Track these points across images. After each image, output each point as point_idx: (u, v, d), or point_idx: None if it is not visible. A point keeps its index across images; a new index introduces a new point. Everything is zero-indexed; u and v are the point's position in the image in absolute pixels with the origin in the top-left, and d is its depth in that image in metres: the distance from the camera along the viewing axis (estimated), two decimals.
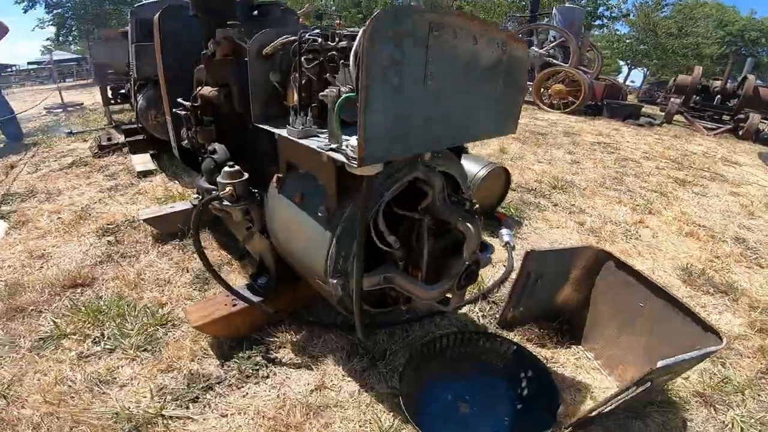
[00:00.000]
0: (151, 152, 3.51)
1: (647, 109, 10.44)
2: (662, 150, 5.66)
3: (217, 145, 1.33)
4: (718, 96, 8.43)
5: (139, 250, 1.97)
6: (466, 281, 1.03)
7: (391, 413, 1.20)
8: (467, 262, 1.00)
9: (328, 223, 0.94)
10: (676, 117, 8.80)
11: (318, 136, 0.94)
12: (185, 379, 1.25)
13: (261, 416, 1.16)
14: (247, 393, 1.23)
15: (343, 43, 0.87)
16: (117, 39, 5.07)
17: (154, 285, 1.70)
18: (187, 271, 1.81)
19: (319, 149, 0.85)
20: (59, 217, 2.32)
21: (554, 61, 8.50)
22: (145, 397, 1.20)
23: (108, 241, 2.02)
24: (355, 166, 0.74)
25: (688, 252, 2.51)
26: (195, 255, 1.91)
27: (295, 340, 1.46)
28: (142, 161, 3.32)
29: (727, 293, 2.05)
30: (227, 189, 1.15)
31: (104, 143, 3.76)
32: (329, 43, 0.88)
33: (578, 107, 8.01)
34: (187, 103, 1.48)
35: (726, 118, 8.45)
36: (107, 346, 1.37)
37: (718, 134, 7.87)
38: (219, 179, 1.18)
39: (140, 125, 3.45)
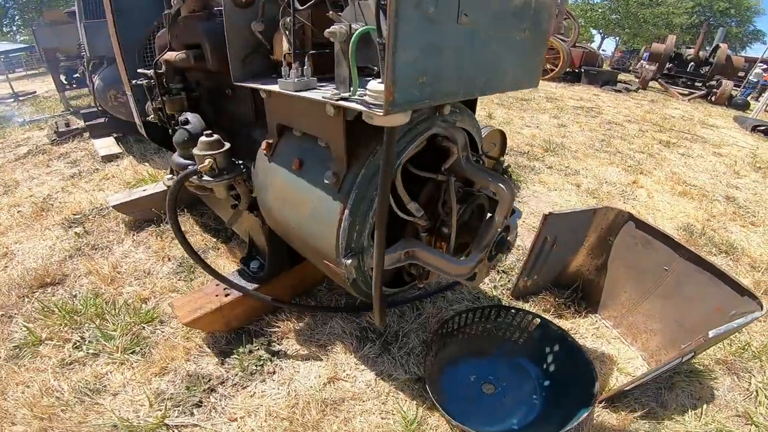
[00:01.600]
0: (114, 135, 3.21)
1: (622, 76, 10.48)
2: (642, 114, 5.66)
3: (189, 115, 1.10)
4: (692, 63, 8.47)
5: (112, 240, 1.74)
6: (497, 251, 0.89)
7: (414, 401, 1.08)
8: (499, 229, 0.86)
9: (337, 191, 0.76)
10: (651, 84, 8.85)
11: (317, 89, 0.75)
12: (184, 382, 1.08)
13: (274, 417, 1.01)
14: (255, 392, 1.08)
15: None
16: (63, 21, 4.56)
17: (133, 278, 1.49)
18: (169, 260, 1.60)
19: (326, 100, 0.66)
20: (19, 211, 2.03)
21: None
22: (142, 405, 1.03)
23: (76, 232, 1.77)
24: (380, 114, 0.56)
25: (685, 211, 2.47)
26: (175, 241, 1.71)
27: (298, 328, 1.30)
28: (105, 145, 2.99)
29: (728, 253, 2.02)
30: (206, 162, 0.95)
31: (62, 129, 3.38)
32: None
33: (558, 74, 7.91)
34: (150, 72, 1.24)
35: (698, 84, 8.56)
36: (90, 351, 1.17)
37: (691, 99, 7.97)
38: (195, 151, 0.98)
39: (100, 107, 3.11)
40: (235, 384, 1.10)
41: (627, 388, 1.08)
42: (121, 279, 1.48)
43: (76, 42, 4.22)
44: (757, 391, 1.21)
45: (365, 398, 1.08)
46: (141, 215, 1.85)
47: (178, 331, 1.24)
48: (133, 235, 1.77)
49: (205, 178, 0.99)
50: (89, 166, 2.65)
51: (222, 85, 1.10)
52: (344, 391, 1.10)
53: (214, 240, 1.74)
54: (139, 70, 1.37)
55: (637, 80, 9.06)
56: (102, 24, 2.34)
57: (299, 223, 0.89)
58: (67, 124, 3.49)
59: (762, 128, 5.43)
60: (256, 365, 1.15)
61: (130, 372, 1.11)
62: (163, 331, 1.25)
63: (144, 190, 1.90)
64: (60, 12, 4.66)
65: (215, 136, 0.98)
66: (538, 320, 1.26)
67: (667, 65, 8.77)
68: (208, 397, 1.06)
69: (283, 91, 0.74)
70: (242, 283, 1.21)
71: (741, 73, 9.60)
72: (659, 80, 8.70)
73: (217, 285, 1.22)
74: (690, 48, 8.87)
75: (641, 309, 1.37)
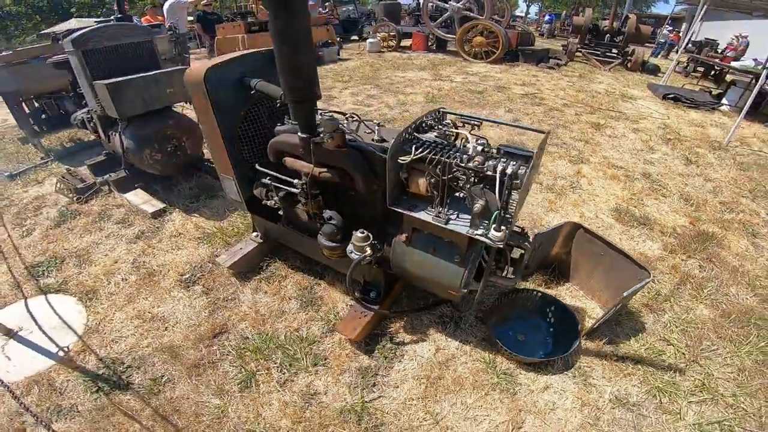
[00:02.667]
0: (137, 186, 3.58)
1: (546, 44, 11.76)
2: (575, 93, 6.83)
3: (332, 213, 1.81)
4: (608, 34, 9.88)
5: (234, 291, 2.37)
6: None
7: (486, 351, 1.98)
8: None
9: (460, 264, 1.57)
10: (577, 55, 10.18)
11: (452, 220, 1.50)
12: (359, 374, 1.87)
13: (418, 379, 1.85)
14: (399, 368, 1.90)
15: (471, 164, 1.40)
16: (22, 60, 4.50)
17: (275, 316, 2.19)
18: (290, 299, 2.30)
19: (468, 234, 1.44)
20: (123, 279, 2.54)
21: (471, 14, 9.10)
22: (345, 394, 1.79)
23: (200, 290, 2.38)
24: (501, 246, 1.38)
25: (615, 193, 3.55)
26: (283, 284, 2.40)
27: (402, 326, 2.12)
28: (143, 199, 3.38)
29: (645, 224, 3.11)
30: (368, 250, 1.69)
31: (80, 186, 3.63)
32: (461, 163, 1.41)
33: (498, 56, 8.90)
34: (272, 173, 1.89)
35: (615, 53, 10.03)
36: (292, 371, 1.88)
37: (611, 68, 9.41)
38: (356, 242, 1.70)
39: (129, 164, 3.44)
40: (386, 366, 1.91)
41: (595, 325, 2.05)
42: (268, 319, 2.17)
43: (40, 82, 4.30)
44: (669, 323, 2.24)
45: (459, 355, 1.96)
46: (245, 268, 2.49)
47: (335, 345, 2.01)
48: (246, 284, 2.42)
49: (367, 257, 1.72)
50: (145, 225, 3.07)
51: (358, 194, 1.79)
52: (447, 355, 1.96)
53: (312, 278, 2.45)
54: (257, 167, 1.97)
55: (562, 49, 10.35)
56: (129, 85, 2.85)
57: (431, 276, 1.69)
58: (82, 180, 3.73)
59: (671, 96, 6.86)
60: (391, 353, 1.96)
61: (324, 377, 1.87)
62: (325, 347, 2.00)
63: (241, 249, 2.52)
64: (21, 53, 4.55)
65: (366, 233, 1.71)
66: (539, 293, 2.20)
67: (587, 36, 10.15)
68: (376, 378, 1.86)
69: (434, 222, 1.51)
70: (373, 306, 1.99)
71: (650, 40, 11.21)
72: (582, 52, 10.06)
73: (356, 310, 2.00)
74: (605, 19, 10.30)
75: (594, 278, 2.36)
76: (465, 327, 2.15)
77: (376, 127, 1.70)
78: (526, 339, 2.09)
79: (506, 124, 1.82)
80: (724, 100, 6.86)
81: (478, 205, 1.39)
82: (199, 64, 1.87)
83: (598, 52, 9.88)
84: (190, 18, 8.93)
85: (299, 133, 1.65)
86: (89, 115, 3.52)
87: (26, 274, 2.58)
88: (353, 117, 1.81)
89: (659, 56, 13.17)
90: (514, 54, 9.13)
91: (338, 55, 9.47)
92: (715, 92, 7.51)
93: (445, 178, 1.42)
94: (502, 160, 1.39)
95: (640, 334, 2.14)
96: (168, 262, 2.64)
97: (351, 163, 1.63)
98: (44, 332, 2.08)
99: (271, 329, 2.10)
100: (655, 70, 9.45)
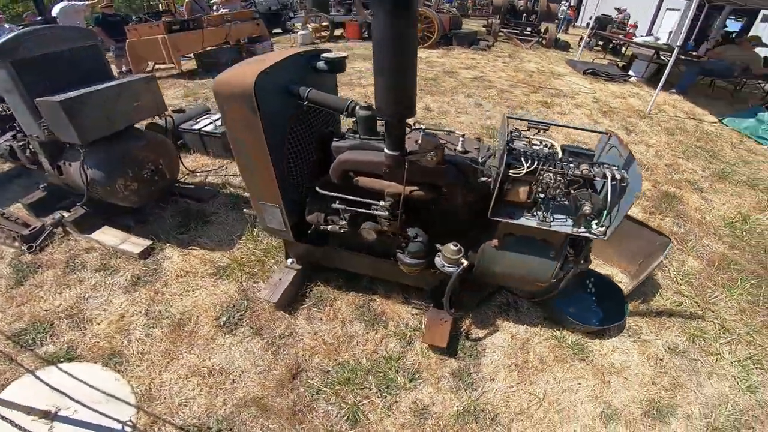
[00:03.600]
0: (105, 225, 3.06)
1: (472, 24, 12.48)
2: (514, 74, 7.41)
3: (417, 230, 1.79)
4: (524, 13, 10.78)
5: (287, 326, 2.21)
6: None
7: (551, 329, 2.19)
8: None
9: (554, 260, 1.70)
10: (499, 35, 10.96)
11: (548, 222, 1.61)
12: (455, 377, 1.93)
13: (508, 367, 1.98)
14: (488, 362, 2.02)
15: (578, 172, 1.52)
16: None
17: (344, 342, 2.11)
18: (351, 322, 2.24)
19: (572, 233, 1.56)
20: (147, 335, 2.20)
21: None
22: (453, 399, 1.84)
23: (249, 332, 2.18)
24: (605, 239, 1.53)
25: None
26: (334, 307, 2.32)
27: (470, 322, 2.22)
28: (120, 238, 2.87)
29: None
30: (464, 262, 1.73)
31: (27, 232, 2.94)
32: (571, 171, 1.51)
33: (434, 41, 9.20)
34: (347, 196, 1.80)
35: (530, 31, 11.02)
36: (393, 393, 1.86)
37: (531, 46, 10.34)
38: (450, 255, 1.73)
39: (91, 198, 2.87)
40: (475, 364, 2.00)
41: (632, 290, 2.38)
42: (339, 347, 2.09)
43: None
44: (674, 277, 2.66)
45: (531, 337, 2.15)
46: (290, 299, 2.34)
47: (419, 356, 2.03)
48: (296, 315, 2.28)
49: (450, 269, 1.76)
50: (136, 269, 2.64)
51: (450, 207, 1.80)
52: (521, 339, 2.13)
53: (363, 295, 2.40)
54: (318, 189, 1.83)
55: (485, 30, 11.08)
56: (82, 101, 2.34)
57: (522, 273, 1.79)
58: (26, 224, 3.03)
59: (590, 71, 7.80)
60: (473, 350, 2.06)
61: (425, 389, 1.89)
62: (411, 361, 2.01)
63: (281, 279, 2.35)
64: None
65: (459, 246, 1.74)
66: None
67: (506, 17, 10.98)
68: (471, 377, 1.94)
69: (539, 226, 1.60)
70: (451, 311, 2.04)
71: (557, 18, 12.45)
72: (503, 31, 10.87)
73: (434, 319, 2.04)
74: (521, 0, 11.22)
75: (610, 246, 2.71)
76: (523, 311, 2.33)
77: (461, 139, 1.72)
78: (578, 311, 2.34)
79: (570, 127, 1.96)
80: (631, 72, 8.03)
81: (587, 208, 1.53)
82: (241, 69, 1.62)
83: (517, 31, 10.76)
84: (87, 22, 7.66)
85: (387, 151, 1.59)
86: (22, 142, 2.85)
87: (12, 345, 2.11)
88: (420, 126, 1.80)
89: (561, 32, 14.76)
90: (448, 38, 9.51)
91: (272, 50, 8.90)
92: (620, 65, 8.75)
93: (555, 185, 1.52)
94: (605, 166, 1.54)
95: (659, 291, 2.54)
96: (190, 308, 2.36)
97: (450, 179, 1.63)
98: (92, 408, 1.75)
99: (349, 357, 2.04)
100: (566, 47, 10.64)
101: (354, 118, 1.75)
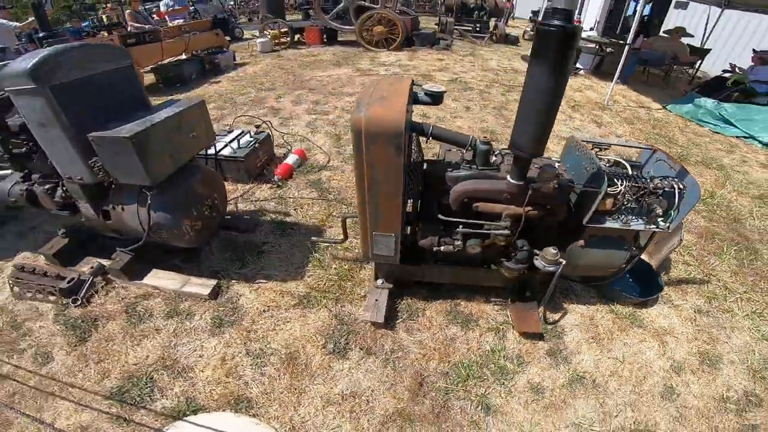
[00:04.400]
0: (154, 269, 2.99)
1: (427, 22, 13.01)
2: (483, 73, 8.01)
3: (524, 241, 2.14)
4: (476, 11, 11.51)
5: (392, 341, 2.43)
6: None
7: (605, 304, 2.69)
8: None
9: (627, 251, 2.15)
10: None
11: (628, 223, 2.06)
12: (550, 356, 2.34)
13: (587, 341, 2.43)
14: (570, 339, 2.45)
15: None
16: None
17: (451, 346, 2.40)
18: (447, 326, 2.53)
19: (648, 229, 2.01)
20: (262, 373, 2.28)
21: (366, 3, 9.41)
22: (557, 374, 2.24)
23: (361, 354, 2.36)
24: (669, 231, 2.00)
25: None
26: (429, 316, 2.61)
27: (543, 309, 2.63)
28: (180, 281, 2.79)
29: None
30: (562, 261, 2.11)
31: (66, 285, 2.67)
32: (651, 186, 1.95)
33: (399, 43, 9.55)
34: (469, 221, 2.09)
35: (480, 27, 11.79)
36: (509, 379, 2.21)
37: (484, 43, 11.10)
38: (548, 258, 2.10)
39: (162, 240, 2.67)
40: (560, 342, 2.42)
41: (657, 265, 2.95)
42: (445, 349, 2.38)
43: None
44: (678, 250, 3.30)
45: (594, 313, 2.62)
46: (387, 317, 2.58)
47: (515, 344, 2.39)
48: (396, 330, 2.52)
49: (552, 268, 2.14)
50: (212, 310, 2.66)
51: (551, 220, 2.16)
52: (587, 316, 2.59)
53: (448, 301, 2.70)
54: (440, 216, 2.11)
55: (437, 28, 11.67)
56: (149, 135, 2.15)
57: (601, 264, 2.23)
58: (51, 274, 2.77)
59: None
60: (555, 331, 2.48)
61: (531, 370, 2.26)
62: (510, 349, 2.37)
63: (377, 300, 2.56)
64: None
65: (556, 249, 2.13)
66: None
67: (459, 15, 11.64)
68: (562, 353, 2.35)
69: (622, 227, 2.03)
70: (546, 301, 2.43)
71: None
72: (457, 29, 11.53)
73: (520, 310, 2.43)
74: None
75: None
76: (579, 293, 2.80)
77: (556, 163, 2.10)
78: (623, 287, 2.85)
79: (622, 145, 2.43)
80: (578, 65, 9.03)
81: (659, 210, 1.99)
82: (384, 106, 1.73)
83: (470, 29, 11.48)
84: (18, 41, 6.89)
85: (513, 180, 1.93)
86: (48, 185, 2.59)
87: (117, 404, 2.10)
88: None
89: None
90: (410, 40, 9.90)
91: (235, 60, 8.66)
92: None
93: (633, 196, 1.97)
94: (671, 179, 2.01)
95: (671, 264, 3.15)
96: (291, 340, 2.48)
97: (559, 200, 2.01)
98: None
99: (459, 357, 2.35)
100: (515, 41, 11.56)
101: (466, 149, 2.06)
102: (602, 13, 14.62)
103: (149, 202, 2.38)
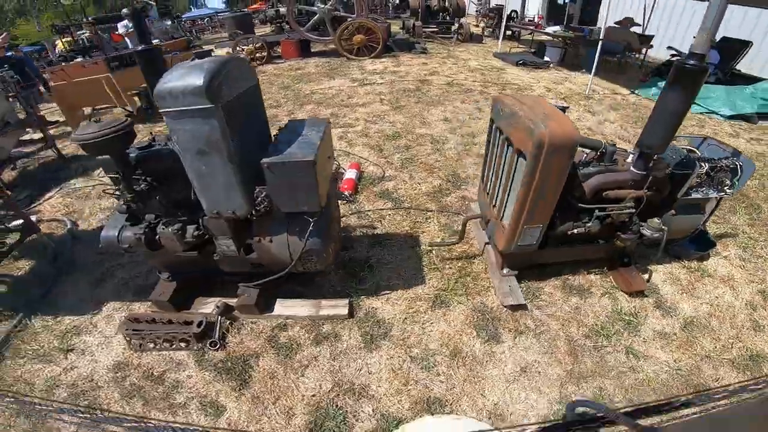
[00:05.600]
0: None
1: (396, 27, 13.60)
2: (471, 74, 8.75)
3: (636, 217, 2.74)
4: (440, 12, 12.31)
5: (528, 319, 2.90)
6: None
7: (672, 262, 3.38)
8: None
9: (701, 214, 2.84)
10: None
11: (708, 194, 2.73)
12: (657, 308, 2.94)
13: (673, 293, 3.08)
14: (666, 293, 3.08)
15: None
16: None
17: (579, 313, 2.92)
18: (570, 298, 3.07)
19: (719, 196, 2.70)
20: (447, 375, 2.62)
21: (341, 13, 9.77)
22: (671, 320, 2.84)
23: (514, 334, 2.83)
24: (733, 195, 2.70)
25: None
26: (549, 292, 3.12)
27: (641, 271, 3.27)
28: (314, 305, 2.89)
29: None
30: (665, 228, 2.73)
31: (197, 330, 2.66)
32: (723, 164, 2.62)
33: (381, 51, 10.04)
34: (605, 205, 2.66)
35: (445, 28, 12.63)
36: (637, 329, 2.76)
37: (453, 43, 11.93)
38: (653, 227, 2.69)
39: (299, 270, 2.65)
40: (660, 296, 3.04)
41: (704, 224, 3.73)
42: (578, 316, 2.89)
43: None
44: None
45: (672, 270, 3.29)
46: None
47: (625, 304, 2.96)
48: (532, 309, 3.00)
49: (657, 234, 2.77)
50: (358, 328, 2.86)
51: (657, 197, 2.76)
52: (668, 273, 3.25)
53: (559, 277, 3.22)
54: (587, 206, 2.65)
55: (402, 32, 12.34)
56: (318, 157, 2.12)
57: (684, 227, 2.90)
58: (177, 320, 2.74)
59: (520, 62, 9.59)
60: (651, 289, 3.11)
61: (650, 321, 2.84)
62: (625, 308, 2.94)
63: (510, 286, 3.03)
64: None
65: (660, 219, 2.74)
66: None
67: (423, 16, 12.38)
68: (665, 303, 2.98)
69: (705, 197, 2.69)
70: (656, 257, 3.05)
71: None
72: (425, 31, 12.27)
73: (623, 274, 3.03)
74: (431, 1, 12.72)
75: None
76: (649, 255, 3.47)
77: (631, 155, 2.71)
78: (684, 246, 3.57)
79: (682, 137, 3.11)
80: (547, 58, 10.12)
81: (728, 181, 2.69)
82: (558, 125, 2.15)
83: (437, 30, 12.27)
84: None
85: (637, 171, 2.52)
86: (178, 226, 2.45)
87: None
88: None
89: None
90: (388, 47, 10.42)
91: None
92: (532, 52, 10.87)
93: (710, 173, 2.65)
94: (734, 159, 2.71)
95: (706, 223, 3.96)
96: (445, 339, 2.71)
97: (666, 182, 2.62)
98: None
99: (591, 320, 2.88)
100: (479, 39, 12.54)
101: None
102: (543, 5, 16.25)
103: (310, 229, 2.39)
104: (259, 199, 2.29)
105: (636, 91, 8.01)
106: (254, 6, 16.33)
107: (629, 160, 2.69)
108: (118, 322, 2.95)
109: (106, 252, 2.80)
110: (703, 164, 2.74)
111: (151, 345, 2.75)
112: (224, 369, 2.58)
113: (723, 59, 8.00)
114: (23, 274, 3.56)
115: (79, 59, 6.74)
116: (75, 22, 7.83)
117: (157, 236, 2.49)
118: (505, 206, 2.77)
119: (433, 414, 2.28)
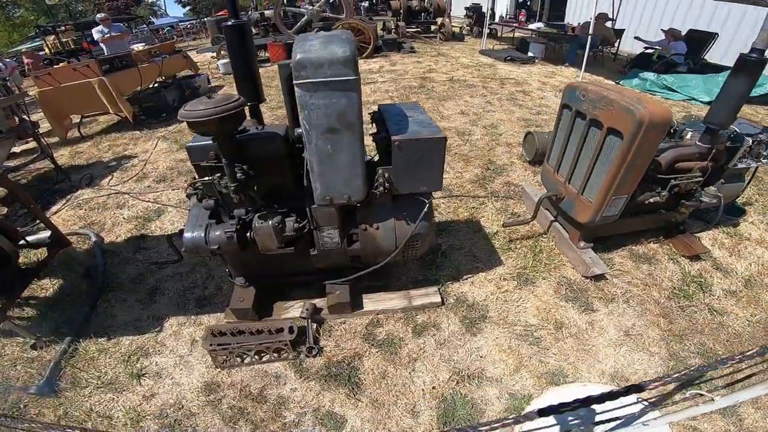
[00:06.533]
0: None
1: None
2: (467, 70, 9.16)
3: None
4: (422, 12, 12.73)
5: (612, 287, 3.24)
6: None
7: (717, 229, 3.85)
8: None
9: (743, 183, 3.30)
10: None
11: (749, 163, 3.18)
12: (716, 269, 3.35)
13: (725, 256, 3.53)
14: (717, 256, 3.51)
15: None
16: None
17: (656, 276, 3.26)
18: (636, 267, 3.40)
19: (756, 165, 3.16)
20: (556, 348, 2.76)
21: (330, 14, 9.89)
22: (730, 279, 3.23)
23: (605, 301, 3.11)
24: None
25: None
26: (620, 264, 3.45)
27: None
28: (404, 297, 2.91)
29: None
30: (720, 195, 3.14)
31: (294, 337, 2.50)
32: None
33: (372, 51, 10.25)
34: (680, 175, 3.02)
35: (425, 27, 13.08)
36: (708, 288, 3.09)
37: (439, 42, 12.39)
38: (711, 194, 3.11)
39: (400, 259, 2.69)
40: (712, 260, 3.46)
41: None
42: (658, 281, 3.25)
43: None
44: None
45: (715, 235, 3.74)
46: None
47: (690, 266, 3.37)
48: (609, 279, 3.31)
49: (713, 200, 3.17)
50: (454, 314, 2.98)
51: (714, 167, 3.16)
52: (712, 238, 3.68)
53: (630, 248, 3.58)
54: (664, 176, 2.99)
55: (387, 33, 12.67)
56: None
57: (731, 194, 3.34)
58: (275, 329, 2.52)
59: (509, 58, 10.16)
60: (707, 253, 3.54)
61: (715, 279, 3.24)
62: (693, 270, 3.33)
63: (590, 258, 3.33)
64: None
65: (716, 187, 3.15)
66: None
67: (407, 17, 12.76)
68: (720, 265, 3.38)
69: (748, 166, 3.14)
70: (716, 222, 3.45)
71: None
72: (409, 31, 12.65)
73: (681, 242, 3.42)
74: (412, 1, 13.12)
75: None
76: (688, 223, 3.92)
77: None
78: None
79: None
80: (531, 54, 10.79)
81: (765, 152, 3.15)
82: (655, 106, 2.43)
83: (420, 29, 12.69)
84: None
85: (703, 144, 2.91)
86: (278, 219, 2.31)
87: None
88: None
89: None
90: (378, 47, 10.66)
91: (209, 83, 8.43)
92: (516, 49, 11.54)
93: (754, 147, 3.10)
94: (764, 133, 3.18)
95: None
96: (542, 314, 2.94)
97: (724, 154, 3.02)
98: None
99: (667, 284, 3.21)
100: (461, 38, 13.10)
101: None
102: (512, 3, 17.23)
103: (425, 211, 2.42)
104: (380, 180, 2.25)
105: (620, 82, 8.75)
106: (219, 14, 16.08)
107: (688, 136, 3.08)
108: (188, 339, 2.76)
109: (190, 255, 2.44)
110: (747, 138, 3.18)
111: (241, 359, 2.56)
112: (329, 376, 2.45)
113: (692, 50, 8.95)
114: (54, 293, 3.28)
115: (61, 63, 6.39)
116: (60, 24, 7.41)
117: (249, 233, 2.30)
118: (587, 181, 3.05)
119: (558, 385, 2.42)
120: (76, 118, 6.77)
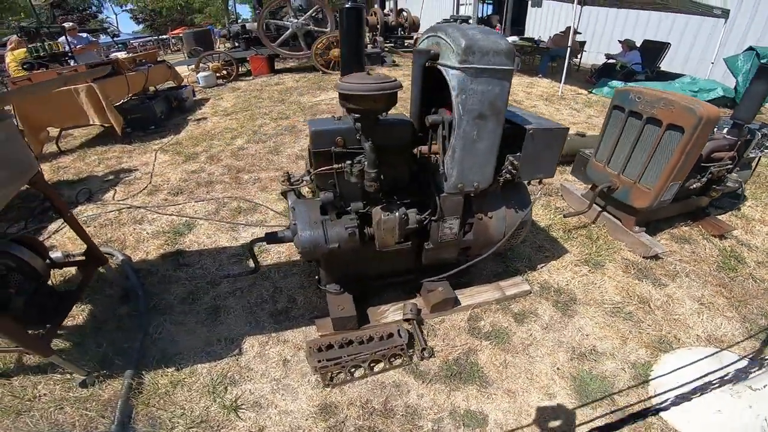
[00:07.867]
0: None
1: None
2: None
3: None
4: (398, 28, 13.42)
5: (670, 264, 3.82)
6: None
7: (734, 209, 4.65)
8: None
9: (751, 170, 4.09)
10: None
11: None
12: (745, 245, 4.08)
13: (743, 232, 4.30)
14: (739, 234, 4.26)
15: None
16: None
17: (698, 253, 3.91)
18: (680, 248, 4.03)
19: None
20: (673, 314, 3.33)
21: (313, 28, 10.18)
22: (761, 255, 3.98)
23: (672, 277, 3.67)
24: None
25: None
26: (668, 244, 4.06)
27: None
28: (494, 289, 3.11)
29: None
30: (741, 180, 3.87)
31: (406, 339, 2.57)
32: None
33: None
34: (723, 161, 3.69)
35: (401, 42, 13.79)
36: (741, 266, 3.80)
37: None
38: (733, 179, 3.83)
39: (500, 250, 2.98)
40: (736, 236, 4.21)
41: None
42: (701, 258, 3.87)
43: None
44: None
45: (730, 220, 4.54)
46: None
47: (720, 243, 4.07)
48: (664, 257, 3.89)
49: (735, 185, 3.90)
50: (545, 300, 3.29)
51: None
52: (731, 221, 4.49)
53: (669, 230, 4.20)
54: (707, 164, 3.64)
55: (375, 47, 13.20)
56: None
57: (746, 178, 4.12)
58: (386, 335, 2.55)
59: None
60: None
61: (744, 254, 3.96)
62: (726, 246, 4.02)
63: (649, 239, 3.89)
64: None
65: (736, 174, 3.88)
66: None
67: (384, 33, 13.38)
68: (750, 243, 4.14)
69: (762, 155, 3.93)
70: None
71: None
72: (387, 46, 13.26)
73: (715, 221, 4.12)
74: (388, 15, 13.75)
75: None
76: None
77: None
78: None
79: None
80: None
81: (766, 144, 3.97)
82: (707, 107, 3.04)
83: (397, 45, 13.35)
84: None
85: (730, 137, 3.60)
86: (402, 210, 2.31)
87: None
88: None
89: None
90: None
91: (194, 96, 8.31)
92: None
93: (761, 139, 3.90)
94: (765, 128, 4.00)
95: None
96: (621, 293, 3.47)
97: (745, 145, 3.75)
98: None
99: (713, 260, 3.82)
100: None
101: None
102: (474, 17, 18.59)
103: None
104: (507, 168, 2.37)
105: (593, 91, 9.91)
106: (176, 31, 15.78)
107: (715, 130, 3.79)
108: (278, 359, 2.59)
109: (307, 256, 2.43)
110: (758, 132, 3.96)
111: (354, 371, 2.45)
112: (452, 375, 2.48)
113: (647, 59, 10.38)
114: (87, 320, 2.93)
115: (41, 69, 6.05)
116: (45, 26, 6.97)
117: (366, 228, 2.32)
118: (644, 171, 3.61)
119: (667, 352, 2.72)
120: (52, 132, 6.33)
